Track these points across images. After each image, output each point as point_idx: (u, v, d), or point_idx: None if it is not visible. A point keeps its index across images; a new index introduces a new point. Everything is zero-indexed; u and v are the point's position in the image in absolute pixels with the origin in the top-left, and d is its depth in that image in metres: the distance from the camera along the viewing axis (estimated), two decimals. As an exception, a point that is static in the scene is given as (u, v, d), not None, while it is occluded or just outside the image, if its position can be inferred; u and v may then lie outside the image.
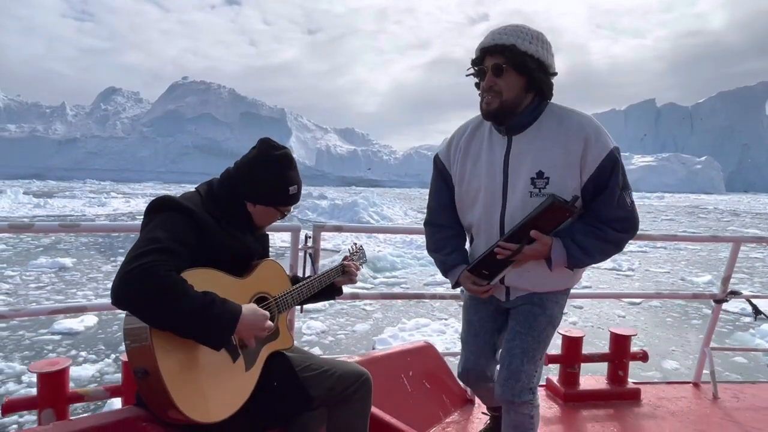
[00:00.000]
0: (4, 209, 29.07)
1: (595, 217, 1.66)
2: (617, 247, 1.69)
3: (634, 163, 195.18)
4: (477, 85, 1.72)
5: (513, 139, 1.70)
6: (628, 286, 12.09)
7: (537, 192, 1.64)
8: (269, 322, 1.47)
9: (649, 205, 59.87)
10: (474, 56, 1.69)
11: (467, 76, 1.71)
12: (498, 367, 1.92)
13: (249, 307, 1.43)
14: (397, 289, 10.71)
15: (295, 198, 1.67)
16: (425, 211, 2.00)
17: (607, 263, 14.61)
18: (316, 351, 7.10)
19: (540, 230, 1.62)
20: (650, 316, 9.32)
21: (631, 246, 18.32)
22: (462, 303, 2.08)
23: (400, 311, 9.17)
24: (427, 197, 2.00)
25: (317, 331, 7.98)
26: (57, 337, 7.08)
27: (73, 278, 11.64)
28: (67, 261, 13.02)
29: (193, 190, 1.63)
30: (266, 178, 1.61)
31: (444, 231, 1.92)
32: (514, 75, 1.62)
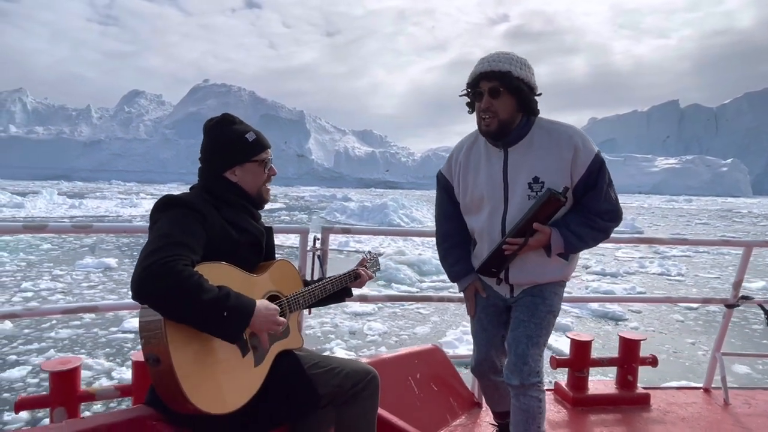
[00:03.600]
0: (42, 210, 29.79)
1: (587, 209, 1.89)
2: (605, 234, 1.94)
3: (657, 165, 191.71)
4: (470, 105, 1.95)
5: (509, 151, 1.92)
6: (685, 292, 11.83)
7: (534, 195, 1.87)
8: (281, 318, 1.49)
9: (679, 209, 58.61)
10: (469, 81, 1.89)
11: (461, 96, 1.94)
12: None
13: (262, 302, 1.45)
14: (445, 293, 10.65)
15: (258, 143, 1.69)
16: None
17: (656, 268, 14.35)
18: (382, 351, 7.10)
19: (540, 222, 1.84)
20: (709, 320, 9.11)
21: (674, 251, 18.00)
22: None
23: (456, 314, 9.10)
24: None
25: (380, 332, 7.98)
26: (131, 336, 7.20)
27: (120, 278, 11.84)
28: (112, 261, 13.24)
29: (188, 191, 1.68)
30: (222, 141, 1.66)
31: (449, 240, 2.15)
32: (508, 97, 1.83)
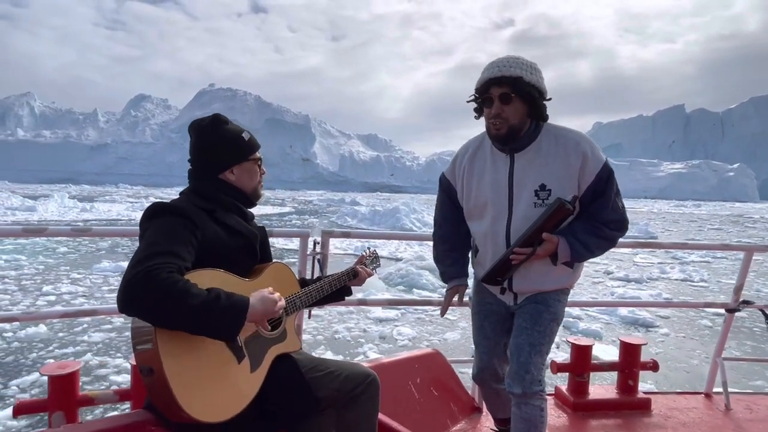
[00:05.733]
0: (54, 213, 29.90)
1: (594, 218, 1.86)
2: (611, 243, 1.91)
3: (663, 170, 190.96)
4: (478, 110, 1.92)
5: (515, 157, 1.89)
6: (713, 298, 11.71)
7: (540, 203, 1.84)
8: (281, 303, 1.48)
9: (689, 214, 58.32)
10: (478, 86, 1.86)
11: (468, 102, 1.91)
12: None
13: (256, 295, 1.44)
14: (467, 299, 10.54)
15: (254, 142, 1.73)
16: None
17: (678, 274, 14.26)
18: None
19: (547, 231, 1.81)
20: (738, 326, 9.00)
21: (692, 256, 17.87)
22: (471, 309, 2.24)
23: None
24: None
25: (409, 336, 7.94)
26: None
27: (139, 281, 11.82)
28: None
29: (179, 196, 1.65)
30: (218, 140, 1.65)
31: (446, 243, 2.15)
32: (519, 103, 1.81)
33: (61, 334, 7.15)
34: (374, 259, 2.14)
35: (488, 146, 1.96)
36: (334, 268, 2.01)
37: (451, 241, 2.14)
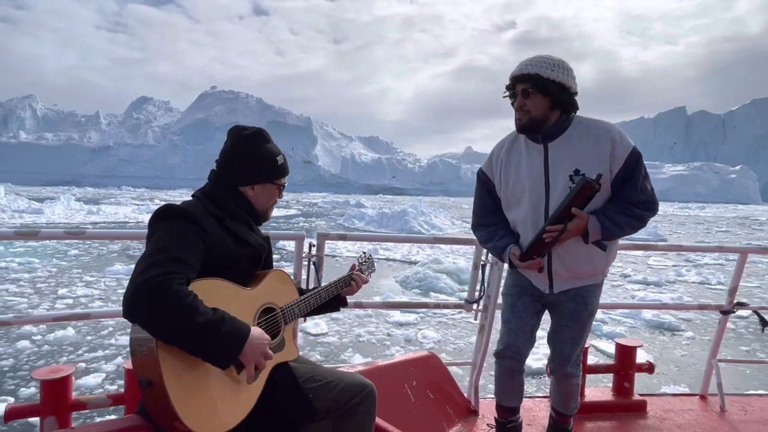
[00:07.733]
0: (60, 216, 29.86)
1: (625, 200, 1.98)
2: (641, 223, 2.00)
3: (665, 172, 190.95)
4: (512, 103, 2.08)
5: (549, 146, 2.02)
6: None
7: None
8: (269, 351, 1.44)
9: (695, 216, 58.33)
10: (508, 83, 2.06)
11: (504, 98, 2.09)
12: (539, 352, 2.30)
13: (256, 329, 1.41)
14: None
15: (285, 168, 1.72)
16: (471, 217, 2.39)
17: (694, 277, 14.22)
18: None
19: (577, 208, 1.93)
20: (758, 329, 8.95)
21: (705, 258, 17.83)
22: (502, 291, 2.37)
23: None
24: (463, 205, 2.46)
25: (434, 339, 7.89)
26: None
27: (154, 284, 11.78)
28: (141, 267, 13.23)
29: (191, 198, 1.62)
30: (253, 155, 1.64)
31: (491, 227, 2.24)
32: (539, 97, 1.96)
33: (89, 338, 7.10)
34: (370, 264, 2.12)
35: (522, 139, 2.11)
36: (331, 271, 1.98)
37: (495, 224, 2.25)
